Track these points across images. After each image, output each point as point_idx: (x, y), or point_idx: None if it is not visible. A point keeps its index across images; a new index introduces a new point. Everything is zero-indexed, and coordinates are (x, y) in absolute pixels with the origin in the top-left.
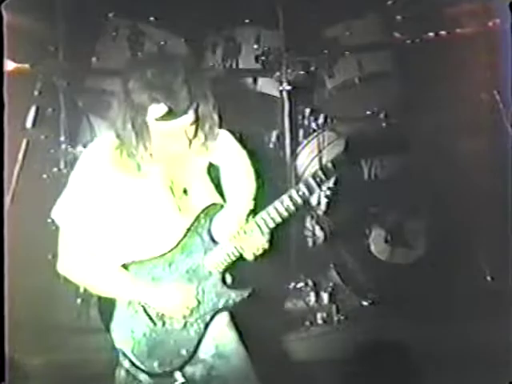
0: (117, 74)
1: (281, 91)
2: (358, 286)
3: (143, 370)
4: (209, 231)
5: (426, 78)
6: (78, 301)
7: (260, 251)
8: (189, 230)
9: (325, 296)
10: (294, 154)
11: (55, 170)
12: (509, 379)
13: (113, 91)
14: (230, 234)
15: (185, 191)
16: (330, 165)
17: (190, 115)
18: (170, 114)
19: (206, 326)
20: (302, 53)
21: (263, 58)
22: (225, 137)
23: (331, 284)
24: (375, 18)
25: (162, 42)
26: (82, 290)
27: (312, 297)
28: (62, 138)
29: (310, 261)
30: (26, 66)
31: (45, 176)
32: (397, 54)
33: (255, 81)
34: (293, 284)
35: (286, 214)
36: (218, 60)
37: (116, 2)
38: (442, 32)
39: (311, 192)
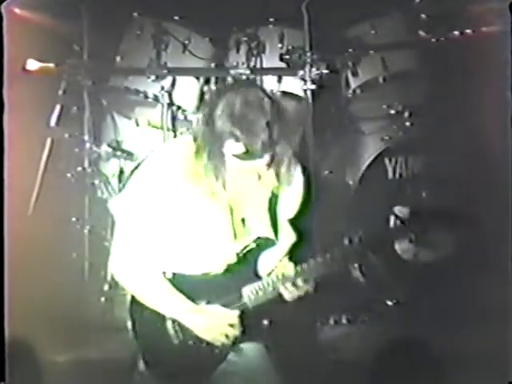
0: (141, 73)
1: (305, 90)
2: (383, 285)
3: (159, 376)
4: (255, 263)
5: (450, 76)
6: (102, 299)
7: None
8: (237, 255)
9: None
10: (319, 154)
11: (79, 168)
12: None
13: (137, 90)
14: (273, 273)
15: (243, 220)
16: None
17: (266, 158)
18: (247, 153)
19: (226, 354)
20: (327, 52)
21: (287, 56)
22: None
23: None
24: (400, 17)
25: (187, 41)
26: (106, 288)
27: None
28: (87, 137)
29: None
30: (51, 65)
31: (69, 175)
32: (422, 52)
33: (279, 80)
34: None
35: (330, 271)
36: (241, 59)
37: (141, 1)
38: (468, 31)
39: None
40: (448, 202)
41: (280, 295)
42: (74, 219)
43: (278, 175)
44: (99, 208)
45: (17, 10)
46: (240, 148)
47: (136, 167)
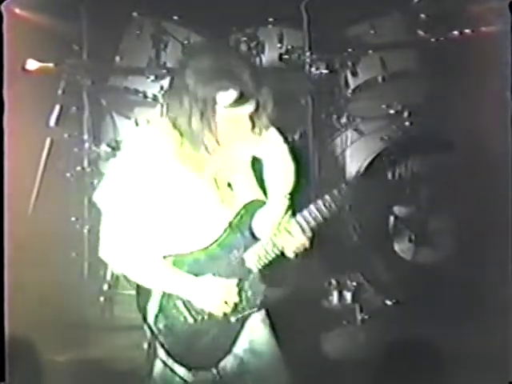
0: (140, 72)
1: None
2: (382, 285)
3: (180, 363)
4: (250, 227)
5: (450, 76)
6: (101, 299)
7: (301, 249)
8: (230, 225)
9: (348, 295)
10: (318, 154)
11: (79, 168)
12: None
13: (136, 90)
14: (270, 230)
15: (229, 185)
16: (359, 175)
17: (253, 103)
18: (239, 100)
19: (243, 322)
20: (326, 52)
21: (286, 56)
22: (271, 131)
23: (355, 283)
24: (399, 17)
25: (186, 41)
26: (105, 288)
27: (335, 296)
28: (86, 137)
29: (336, 260)
30: (50, 65)
31: (68, 174)
32: (421, 52)
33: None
34: (326, 283)
35: (327, 213)
36: None
37: (140, 0)
38: (467, 30)
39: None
40: (447, 201)
41: (282, 254)
42: (73, 219)
43: (260, 126)
44: (98, 207)
45: (17, 10)
46: (233, 95)
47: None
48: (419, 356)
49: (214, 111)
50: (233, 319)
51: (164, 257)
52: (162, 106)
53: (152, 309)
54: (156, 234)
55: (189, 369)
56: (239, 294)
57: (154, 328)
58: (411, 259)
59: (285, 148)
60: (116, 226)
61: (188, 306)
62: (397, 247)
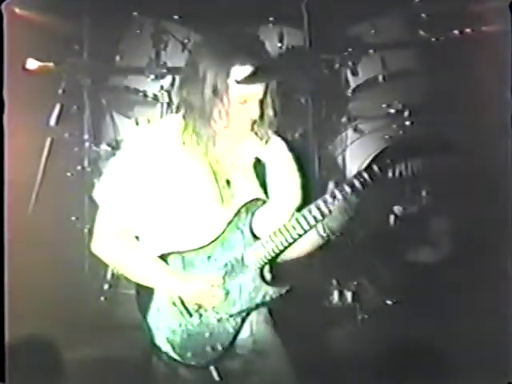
0: (140, 72)
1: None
2: (382, 285)
3: (179, 362)
4: (250, 226)
5: (450, 76)
6: (102, 298)
7: (301, 248)
8: (230, 223)
9: (348, 295)
10: (319, 153)
11: (79, 167)
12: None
13: (137, 89)
14: (271, 230)
15: (228, 182)
16: (376, 167)
17: (263, 86)
18: (253, 76)
19: (243, 321)
20: (326, 51)
21: (287, 56)
22: (276, 139)
23: (355, 283)
24: (400, 16)
25: (186, 40)
26: (106, 287)
27: (336, 296)
28: (86, 136)
29: (337, 260)
30: (50, 64)
31: (69, 174)
32: (421, 52)
33: None
34: (326, 282)
35: (327, 212)
36: None
37: (140, 0)
38: (468, 30)
39: (354, 192)
40: (448, 200)
41: (282, 252)
42: (73, 218)
43: (267, 121)
44: (99, 207)
45: (17, 10)
46: (248, 70)
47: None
48: (419, 356)
49: (227, 85)
50: (232, 317)
51: (162, 255)
52: (163, 105)
53: (152, 307)
54: (154, 231)
55: (187, 367)
56: (239, 292)
57: (153, 327)
58: (411, 259)
59: (288, 151)
60: (111, 220)
61: (186, 304)
62: (397, 247)
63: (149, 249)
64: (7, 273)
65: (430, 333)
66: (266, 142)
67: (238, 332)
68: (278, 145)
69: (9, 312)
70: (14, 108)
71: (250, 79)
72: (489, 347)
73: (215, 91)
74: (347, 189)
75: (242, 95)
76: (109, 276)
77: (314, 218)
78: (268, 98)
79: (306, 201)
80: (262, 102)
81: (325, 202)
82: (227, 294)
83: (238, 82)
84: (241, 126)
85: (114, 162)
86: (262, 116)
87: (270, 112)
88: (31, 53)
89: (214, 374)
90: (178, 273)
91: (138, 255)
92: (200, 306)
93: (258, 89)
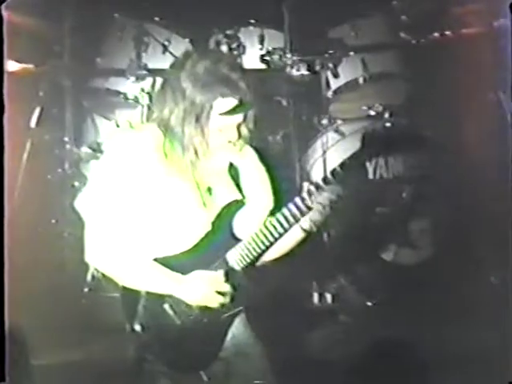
0: (121, 74)
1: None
2: (363, 286)
3: (165, 365)
4: (230, 228)
5: (431, 78)
6: (83, 301)
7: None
8: (213, 225)
9: (328, 296)
10: (299, 155)
11: (59, 170)
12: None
13: (117, 91)
14: (251, 230)
15: (209, 190)
16: (338, 168)
17: (244, 113)
18: (236, 108)
19: (230, 323)
20: (307, 53)
21: (267, 58)
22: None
23: (335, 284)
24: (380, 18)
25: (167, 42)
26: (86, 290)
27: (316, 297)
28: (67, 139)
29: (317, 261)
30: (31, 66)
31: (49, 176)
32: (402, 54)
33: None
34: (307, 284)
35: (299, 215)
36: None
37: (121, 2)
38: (448, 32)
39: (321, 194)
40: (428, 201)
41: (263, 253)
42: (53, 221)
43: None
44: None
45: None
46: (232, 102)
47: None
48: (400, 356)
49: (208, 117)
50: (220, 318)
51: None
52: (143, 107)
53: (138, 311)
54: (139, 237)
55: (176, 371)
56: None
57: (140, 330)
58: (392, 260)
59: (256, 158)
60: (100, 230)
61: (175, 307)
62: (378, 248)
63: (139, 255)
64: (7, 273)
65: (411, 334)
66: (240, 149)
67: (224, 336)
68: (250, 152)
69: (8, 312)
70: None
71: (232, 111)
72: (489, 347)
73: (197, 122)
74: (322, 184)
75: (220, 125)
76: (89, 279)
77: (293, 216)
78: (246, 120)
79: (287, 201)
80: (239, 125)
81: (302, 199)
82: (226, 293)
83: (220, 114)
84: (219, 147)
85: (96, 171)
86: (239, 137)
87: (245, 131)
88: (11, 55)
89: (204, 376)
90: (178, 275)
91: (134, 261)
92: (192, 308)
93: (238, 118)
